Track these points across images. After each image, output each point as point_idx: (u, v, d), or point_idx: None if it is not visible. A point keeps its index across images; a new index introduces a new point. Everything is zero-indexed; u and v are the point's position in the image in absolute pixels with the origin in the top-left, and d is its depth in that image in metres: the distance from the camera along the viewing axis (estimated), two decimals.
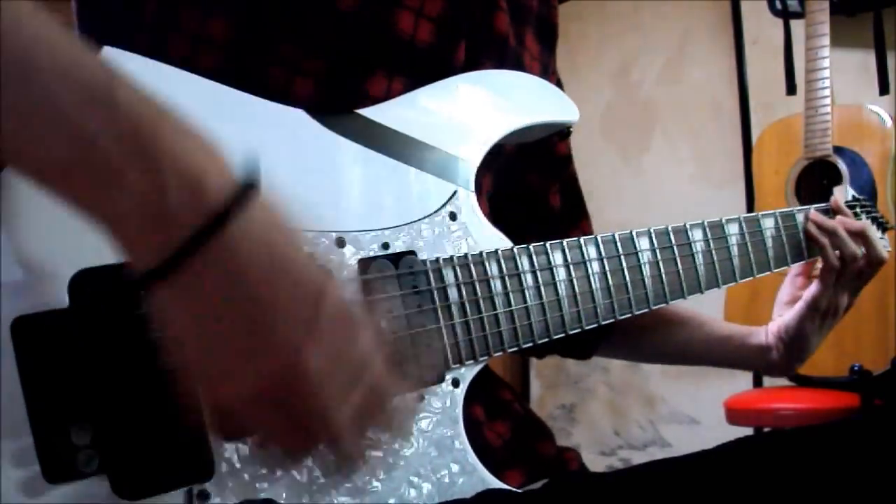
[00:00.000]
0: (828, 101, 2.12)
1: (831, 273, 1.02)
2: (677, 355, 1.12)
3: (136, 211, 0.48)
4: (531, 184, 0.99)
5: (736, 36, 2.74)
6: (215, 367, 0.50)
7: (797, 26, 2.30)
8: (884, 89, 2.25)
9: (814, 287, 1.03)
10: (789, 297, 1.08)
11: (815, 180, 2.18)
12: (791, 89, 2.33)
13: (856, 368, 1.95)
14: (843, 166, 2.13)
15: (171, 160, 0.48)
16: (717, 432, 0.73)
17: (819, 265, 1.06)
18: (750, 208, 2.52)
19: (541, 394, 3.17)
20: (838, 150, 2.14)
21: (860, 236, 1.04)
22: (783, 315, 1.06)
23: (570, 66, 2.91)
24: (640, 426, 2.98)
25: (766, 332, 1.06)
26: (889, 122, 2.14)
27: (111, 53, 0.61)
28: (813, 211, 1.07)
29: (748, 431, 2.11)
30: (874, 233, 1.06)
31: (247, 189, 0.49)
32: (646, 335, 1.08)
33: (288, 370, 0.49)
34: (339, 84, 0.76)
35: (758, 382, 2.48)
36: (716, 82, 2.80)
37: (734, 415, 2.16)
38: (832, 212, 1.10)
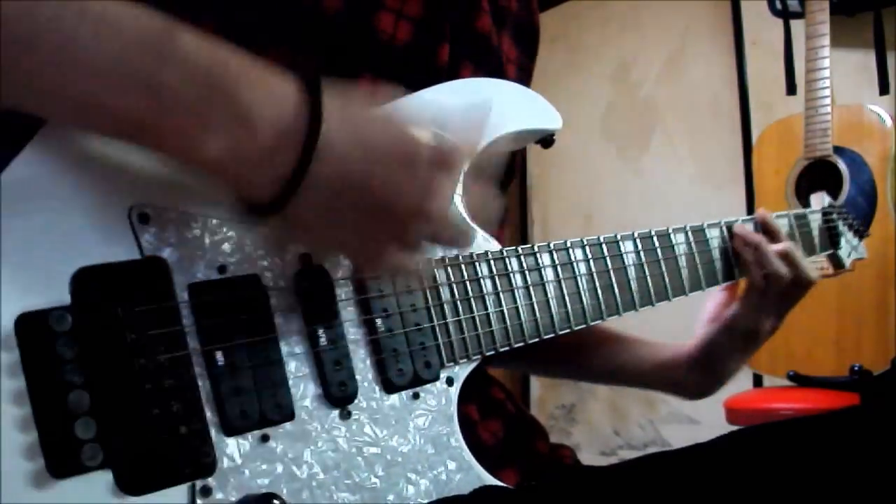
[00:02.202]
0: (828, 101, 2.12)
1: (754, 292, 0.96)
2: (607, 374, 1.06)
3: (233, 154, 0.54)
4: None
5: (736, 36, 2.75)
6: (360, 248, 0.62)
7: (797, 26, 2.30)
8: (884, 89, 2.26)
9: (734, 307, 0.98)
10: (711, 314, 1.01)
11: (815, 180, 2.18)
12: (791, 89, 2.33)
13: (856, 368, 1.95)
14: (843, 166, 2.14)
15: (249, 99, 0.54)
16: (716, 432, 0.73)
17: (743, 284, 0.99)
18: (750, 208, 2.52)
19: (541, 394, 3.17)
20: (838, 150, 2.14)
21: (785, 257, 0.97)
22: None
23: (570, 66, 2.91)
24: (640, 426, 2.98)
25: (686, 352, 0.99)
26: (889, 122, 2.14)
27: None
28: (738, 224, 1.00)
29: None
30: (798, 253, 0.98)
31: (318, 102, 0.56)
32: (582, 353, 1.03)
33: (417, 209, 0.60)
34: None
35: (758, 382, 2.48)
36: (716, 82, 2.80)
37: (734, 415, 2.15)
38: (759, 227, 1.01)
